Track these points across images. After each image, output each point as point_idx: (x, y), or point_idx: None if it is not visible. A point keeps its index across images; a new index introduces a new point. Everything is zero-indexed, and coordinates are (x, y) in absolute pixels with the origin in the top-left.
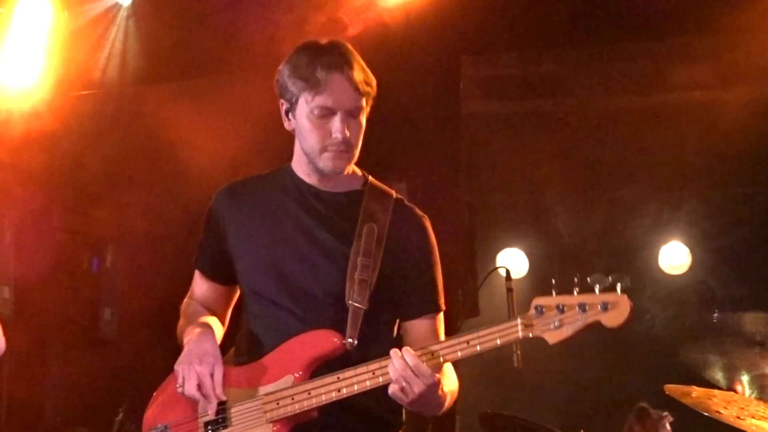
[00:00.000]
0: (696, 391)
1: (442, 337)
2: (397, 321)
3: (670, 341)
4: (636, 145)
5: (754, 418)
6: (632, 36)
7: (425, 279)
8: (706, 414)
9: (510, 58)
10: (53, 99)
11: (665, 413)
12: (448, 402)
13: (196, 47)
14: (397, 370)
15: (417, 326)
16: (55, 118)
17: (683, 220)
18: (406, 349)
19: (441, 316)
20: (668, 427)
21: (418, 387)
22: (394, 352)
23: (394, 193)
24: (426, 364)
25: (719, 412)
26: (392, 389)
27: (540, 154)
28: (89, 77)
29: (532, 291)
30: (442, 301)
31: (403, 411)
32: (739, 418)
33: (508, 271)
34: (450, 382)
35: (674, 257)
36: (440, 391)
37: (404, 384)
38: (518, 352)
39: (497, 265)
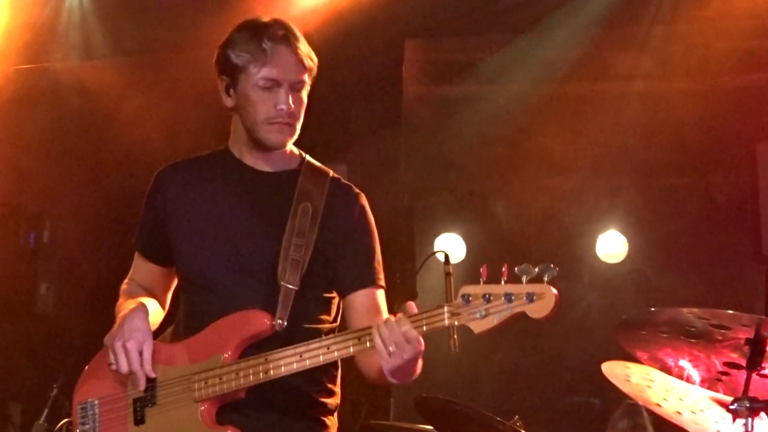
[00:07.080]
0: (633, 370)
1: (385, 312)
2: (336, 299)
3: (606, 329)
4: (577, 132)
5: (693, 413)
6: (576, 24)
7: (361, 253)
8: (645, 406)
9: (453, 43)
10: None
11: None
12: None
13: (138, 25)
14: (386, 336)
15: (356, 299)
16: None
17: (621, 209)
18: (399, 316)
19: (382, 293)
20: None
21: (408, 353)
22: (385, 319)
23: (330, 172)
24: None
25: (659, 405)
26: (385, 362)
27: (480, 139)
28: (30, 51)
29: (469, 277)
30: (381, 276)
31: (339, 394)
32: (678, 413)
33: (446, 255)
34: None
35: (611, 246)
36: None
37: (394, 349)
38: (455, 336)
39: (435, 250)
